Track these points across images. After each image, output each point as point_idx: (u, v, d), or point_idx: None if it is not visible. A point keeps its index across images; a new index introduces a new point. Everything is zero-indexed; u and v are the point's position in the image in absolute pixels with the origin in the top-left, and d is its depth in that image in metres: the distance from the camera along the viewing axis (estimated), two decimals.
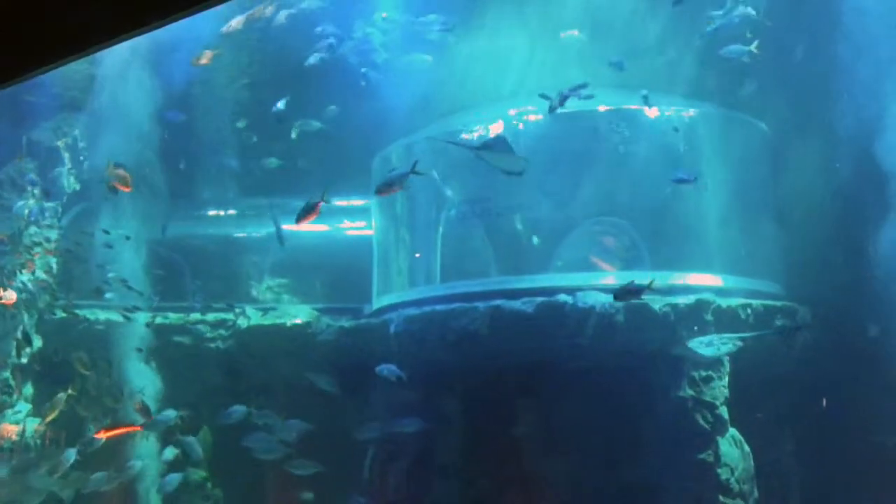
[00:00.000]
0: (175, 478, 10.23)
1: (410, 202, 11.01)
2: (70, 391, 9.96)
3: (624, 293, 8.44)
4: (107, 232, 10.22)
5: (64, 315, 10.91)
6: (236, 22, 10.41)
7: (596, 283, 9.49)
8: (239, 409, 10.10)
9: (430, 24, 10.67)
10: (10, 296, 10.29)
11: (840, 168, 9.78)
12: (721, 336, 8.91)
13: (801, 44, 10.13)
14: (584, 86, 9.35)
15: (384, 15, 11.12)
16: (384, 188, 8.97)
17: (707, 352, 8.84)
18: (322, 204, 8.74)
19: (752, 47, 9.49)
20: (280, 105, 10.77)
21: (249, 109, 12.10)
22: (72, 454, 9.68)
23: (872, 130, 9.41)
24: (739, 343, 8.87)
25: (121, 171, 9.67)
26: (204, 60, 10.57)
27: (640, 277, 9.49)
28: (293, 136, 10.69)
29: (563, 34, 10.12)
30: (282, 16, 11.10)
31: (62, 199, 11.44)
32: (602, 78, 10.03)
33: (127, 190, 9.84)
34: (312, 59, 10.82)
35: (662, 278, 9.33)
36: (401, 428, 9.96)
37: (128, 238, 10.39)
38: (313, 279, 12.00)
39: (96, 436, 9.71)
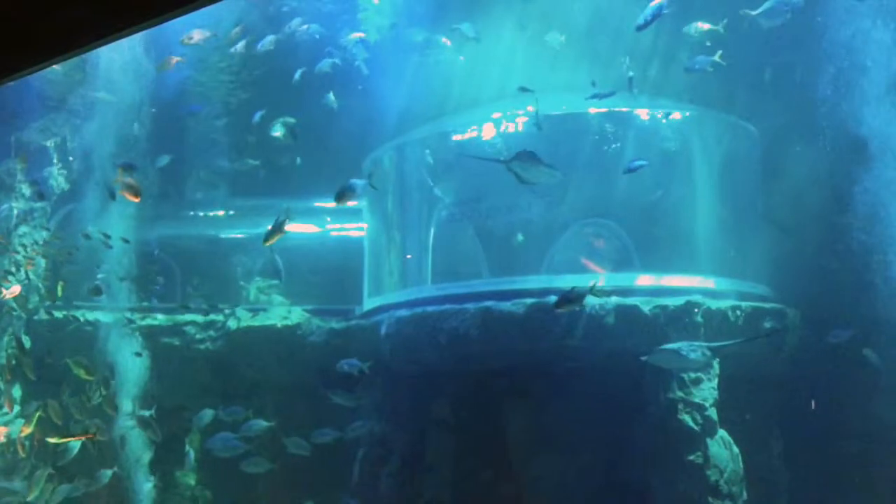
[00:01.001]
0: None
1: (402, 204, 11.02)
2: (46, 406, 9.84)
3: (564, 301, 8.43)
4: (107, 236, 10.15)
5: (53, 316, 10.87)
6: (198, 34, 10.38)
7: (587, 285, 9.50)
8: (208, 413, 10.08)
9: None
10: (14, 289, 10.27)
11: (829, 170, 9.83)
12: (691, 344, 8.93)
13: (791, 51, 10.17)
14: (608, 93, 9.44)
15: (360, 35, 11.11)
16: (341, 198, 9.04)
17: (678, 363, 8.87)
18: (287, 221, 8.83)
19: (717, 57, 9.58)
20: (257, 118, 10.85)
21: (240, 110, 12.09)
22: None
23: (861, 133, 9.47)
24: (708, 353, 8.89)
25: (130, 180, 9.54)
26: (173, 61, 10.53)
27: (629, 279, 9.54)
28: (277, 134, 10.66)
29: (550, 36, 10.13)
30: (269, 41, 11.14)
31: (51, 199, 11.40)
32: (591, 80, 10.06)
33: (136, 200, 9.69)
34: (323, 65, 10.86)
35: (652, 279, 9.39)
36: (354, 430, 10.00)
37: (126, 241, 10.34)
38: (304, 280, 11.98)
39: (52, 440, 9.64)
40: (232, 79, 12.04)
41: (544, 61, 10.54)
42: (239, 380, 11.06)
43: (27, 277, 10.55)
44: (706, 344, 8.97)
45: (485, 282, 10.11)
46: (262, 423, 9.98)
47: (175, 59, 10.54)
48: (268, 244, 9.01)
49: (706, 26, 9.72)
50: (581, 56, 10.51)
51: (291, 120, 10.67)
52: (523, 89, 9.54)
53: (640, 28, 9.35)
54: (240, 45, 11.23)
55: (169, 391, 10.74)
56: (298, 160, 11.31)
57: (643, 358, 8.71)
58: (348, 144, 11.43)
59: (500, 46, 10.53)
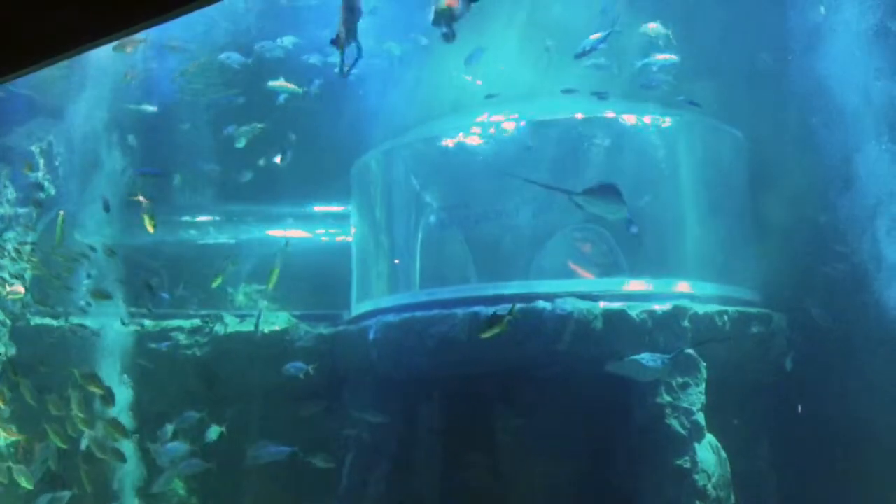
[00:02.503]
0: None
1: (389, 208, 11.02)
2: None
3: (484, 326, 8.47)
4: (93, 248, 10.09)
5: (39, 322, 10.78)
6: (131, 45, 10.42)
7: (574, 290, 9.53)
8: (169, 428, 10.03)
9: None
10: (19, 289, 10.19)
11: (817, 175, 9.90)
12: (653, 355, 8.96)
13: (777, 53, 10.24)
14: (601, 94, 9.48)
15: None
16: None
17: (642, 373, 8.92)
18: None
19: (670, 57, 9.72)
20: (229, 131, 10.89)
21: (227, 115, 12.05)
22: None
23: (850, 138, 9.54)
24: (667, 362, 8.94)
25: (145, 202, 9.59)
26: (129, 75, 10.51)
27: (617, 284, 9.58)
28: (239, 145, 10.76)
29: (547, 42, 10.17)
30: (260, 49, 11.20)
31: (37, 204, 11.32)
32: (581, 84, 10.10)
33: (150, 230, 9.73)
34: (314, 87, 10.91)
35: (641, 284, 9.42)
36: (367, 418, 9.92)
37: (113, 253, 10.29)
38: (291, 286, 11.94)
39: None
40: (222, 82, 12.01)
41: (533, 66, 10.57)
42: (226, 386, 10.99)
43: (10, 281, 10.47)
44: (667, 355, 9.01)
45: (473, 287, 10.12)
46: (216, 429, 9.93)
47: (130, 75, 10.50)
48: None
49: (654, 26, 9.85)
50: (571, 61, 10.55)
51: (259, 125, 10.74)
52: (489, 96, 9.61)
53: (577, 56, 9.46)
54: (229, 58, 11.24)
55: (155, 398, 10.67)
56: (278, 160, 11.25)
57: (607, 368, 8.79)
58: (336, 149, 11.42)
59: (489, 51, 10.55)
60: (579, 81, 9.97)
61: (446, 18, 6.92)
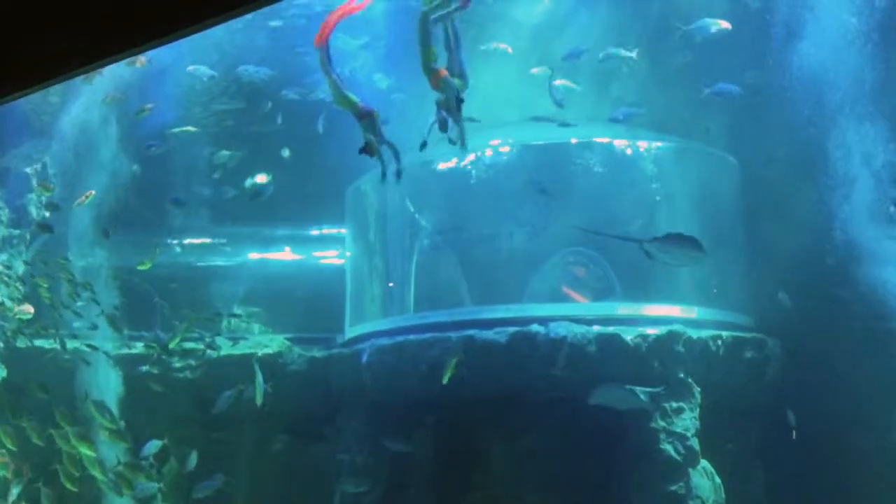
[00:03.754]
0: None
1: (384, 232, 11.02)
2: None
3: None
4: (66, 258, 10.09)
5: (30, 345, 10.72)
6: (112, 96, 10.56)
7: (568, 314, 9.53)
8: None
9: None
10: (28, 308, 10.17)
11: (808, 200, 9.94)
12: (633, 388, 8.97)
13: (767, 77, 10.32)
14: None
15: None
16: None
17: (624, 404, 8.95)
18: None
19: (633, 53, 9.83)
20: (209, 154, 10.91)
21: (222, 138, 12.09)
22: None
23: (841, 165, 9.60)
24: (644, 398, 8.98)
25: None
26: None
27: (611, 308, 9.60)
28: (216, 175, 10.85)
29: (534, 70, 10.22)
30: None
31: (30, 226, 11.30)
32: (574, 111, 10.16)
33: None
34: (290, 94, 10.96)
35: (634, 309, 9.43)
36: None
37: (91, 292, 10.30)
38: (285, 308, 11.91)
39: None
40: (218, 107, 12.06)
41: (529, 90, 10.63)
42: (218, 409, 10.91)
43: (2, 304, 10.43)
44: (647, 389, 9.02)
45: (467, 310, 10.11)
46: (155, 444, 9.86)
47: (149, 107, 10.57)
48: None
49: (623, 52, 9.98)
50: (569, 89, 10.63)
51: (238, 154, 10.82)
52: (471, 120, 9.68)
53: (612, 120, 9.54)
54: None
55: (147, 421, 10.58)
56: (264, 179, 11.27)
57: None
58: (331, 172, 11.44)
59: (484, 76, 10.62)
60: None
61: (444, 108, 6.96)
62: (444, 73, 6.82)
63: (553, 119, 9.71)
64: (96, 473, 9.51)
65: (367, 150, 7.15)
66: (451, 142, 7.26)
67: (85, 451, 9.39)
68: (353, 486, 9.74)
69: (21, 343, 10.72)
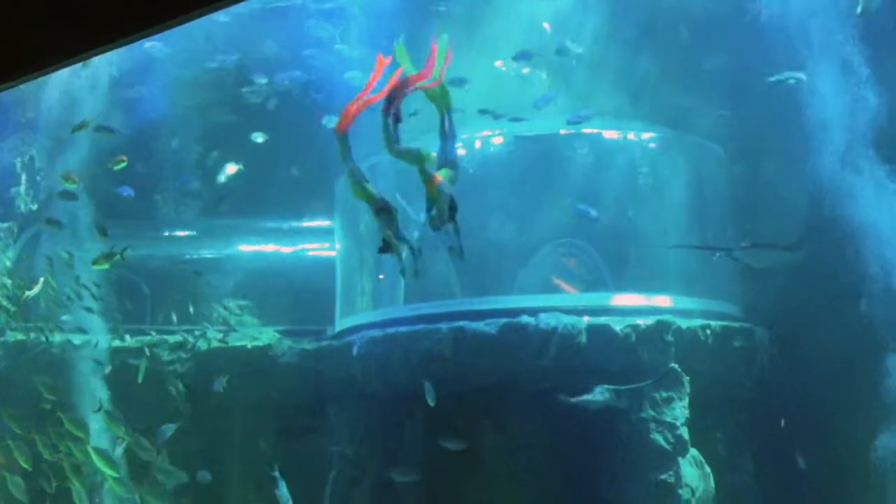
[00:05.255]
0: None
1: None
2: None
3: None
4: (70, 253, 10.05)
5: (20, 338, 10.69)
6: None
7: (558, 305, 9.56)
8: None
9: None
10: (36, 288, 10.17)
11: (797, 190, 9.97)
12: (602, 387, 9.05)
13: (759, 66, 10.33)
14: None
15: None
16: None
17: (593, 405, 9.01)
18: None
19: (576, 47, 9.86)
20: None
21: (213, 131, 12.04)
22: None
23: (829, 154, 9.62)
24: (608, 394, 9.04)
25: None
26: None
27: (601, 299, 9.62)
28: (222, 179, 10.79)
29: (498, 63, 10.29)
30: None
31: (18, 219, 11.25)
32: (565, 102, 10.17)
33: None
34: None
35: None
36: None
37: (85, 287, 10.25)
38: (275, 301, 11.90)
39: None
40: (209, 98, 12.00)
41: (516, 82, 10.63)
42: (209, 402, 10.90)
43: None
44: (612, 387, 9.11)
45: (458, 302, 10.11)
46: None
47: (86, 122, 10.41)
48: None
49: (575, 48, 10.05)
50: (554, 78, 10.63)
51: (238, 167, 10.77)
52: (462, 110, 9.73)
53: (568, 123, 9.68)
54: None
55: (138, 414, 10.56)
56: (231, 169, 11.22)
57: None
58: (320, 164, 11.41)
59: (474, 68, 10.61)
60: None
61: (438, 219, 6.77)
62: (439, 179, 6.52)
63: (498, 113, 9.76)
64: (106, 469, 9.53)
65: (385, 248, 6.84)
66: (450, 249, 6.97)
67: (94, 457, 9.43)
68: (400, 476, 9.58)
69: (10, 337, 10.69)
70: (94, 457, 9.54)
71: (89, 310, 10.33)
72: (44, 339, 10.62)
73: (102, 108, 10.91)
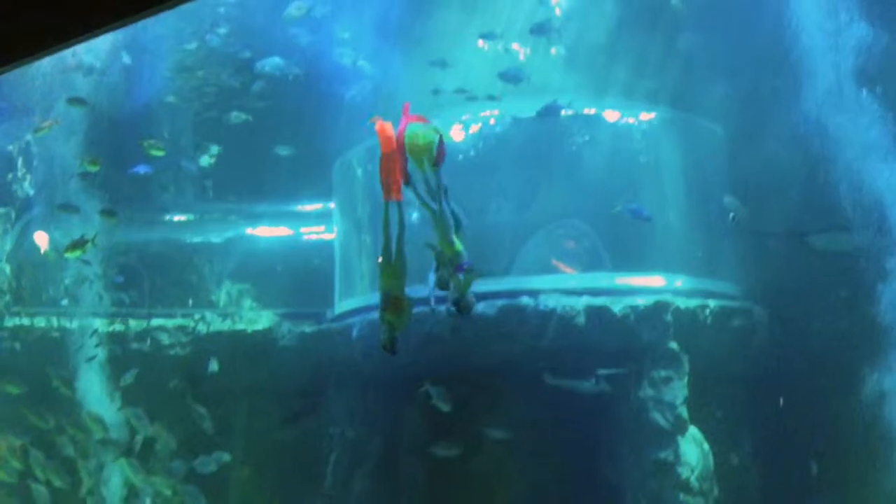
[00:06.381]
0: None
1: (371, 206, 10.98)
2: None
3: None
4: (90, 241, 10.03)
5: (18, 322, 10.71)
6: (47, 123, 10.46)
7: (557, 286, 9.56)
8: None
9: None
10: (43, 236, 10.15)
11: (796, 169, 9.94)
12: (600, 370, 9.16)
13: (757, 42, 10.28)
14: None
15: None
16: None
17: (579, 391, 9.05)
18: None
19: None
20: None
21: (210, 113, 11.99)
22: None
23: (828, 131, 9.59)
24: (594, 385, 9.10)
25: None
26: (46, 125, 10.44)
27: (599, 279, 9.63)
28: (209, 161, 10.76)
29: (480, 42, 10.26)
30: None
31: (15, 204, 11.23)
32: (563, 82, 10.13)
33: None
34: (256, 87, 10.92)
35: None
36: None
37: (87, 263, 10.25)
38: (274, 284, 11.90)
39: None
40: (204, 82, 11.95)
41: (516, 63, 10.57)
42: (210, 385, 10.95)
43: None
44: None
45: None
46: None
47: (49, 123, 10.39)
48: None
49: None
50: (555, 58, 10.58)
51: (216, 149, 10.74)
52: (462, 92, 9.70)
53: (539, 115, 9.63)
54: None
55: (139, 398, 10.61)
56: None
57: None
58: (318, 147, 11.39)
59: (471, 49, 10.56)
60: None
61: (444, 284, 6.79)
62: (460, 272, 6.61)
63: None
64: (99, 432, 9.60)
65: (387, 346, 6.90)
66: (456, 304, 6.98)
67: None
68: (443, 449, 9.57)
69: (9, 321, 10.71)
70: (89, 421, 9.62)
71: (96, 294, 10.36)
72: (44, 323, 10.64)
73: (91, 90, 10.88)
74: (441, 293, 7.06)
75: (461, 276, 6.61)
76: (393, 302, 6.60)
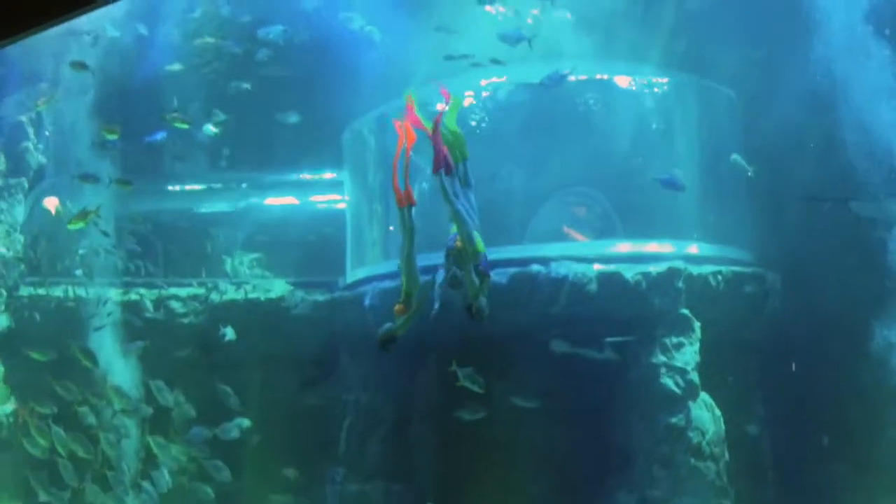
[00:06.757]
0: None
1: (383, 175, 10.96)
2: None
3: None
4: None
5: (34, 292, 10.80)
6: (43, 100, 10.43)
7: (569, 254, 9.54)
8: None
9: None
10: (53, 201, 10.21)
11: (811, 136, 9.84)
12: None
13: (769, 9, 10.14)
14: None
15: None
16: None
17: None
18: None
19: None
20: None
21: (219, 82, 11.94)
22: None
23: (842, 96, 9.47)
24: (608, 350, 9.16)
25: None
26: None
27: (611, 246, 9.61)
28: (213, 131, 10.74)
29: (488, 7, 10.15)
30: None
31: (28, 174, 11.26)
32: (574, 47, 10.03)
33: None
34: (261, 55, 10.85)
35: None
36: None
37: (106, 234, 10.31)
38: (287, 253, 11.94)
39: None
40: (214, 54, 11.89)
41: (526, 29, 10.45)
42: (224, 353, 11.03)
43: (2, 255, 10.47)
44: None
45: None
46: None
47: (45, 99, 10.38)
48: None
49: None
50: (564, 23, 10.45)
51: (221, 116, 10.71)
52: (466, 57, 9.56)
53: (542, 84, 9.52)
54: None
55: (154, 367, 10.71)
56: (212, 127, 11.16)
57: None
58: (328, 116, 11.34)
59: (481, 16, 10.44)
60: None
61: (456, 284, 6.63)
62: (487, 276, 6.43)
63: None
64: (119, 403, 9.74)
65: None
66: (468, 310, 6.84)
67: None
68: (468, 414, 9.54)
69: (24, 291, 10.79)
70: (112, 393, 9.76)
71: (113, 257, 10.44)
72: (60, 293, 10.73)
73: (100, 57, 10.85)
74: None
75: (476, 279, 6.41)
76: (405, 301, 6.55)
